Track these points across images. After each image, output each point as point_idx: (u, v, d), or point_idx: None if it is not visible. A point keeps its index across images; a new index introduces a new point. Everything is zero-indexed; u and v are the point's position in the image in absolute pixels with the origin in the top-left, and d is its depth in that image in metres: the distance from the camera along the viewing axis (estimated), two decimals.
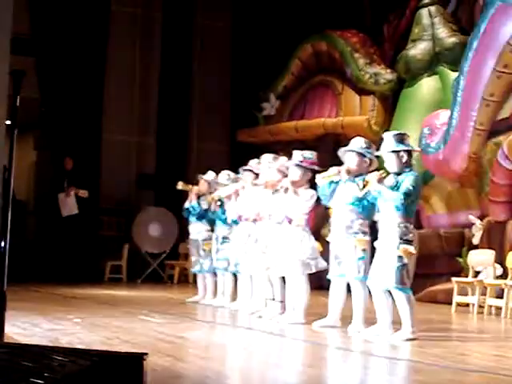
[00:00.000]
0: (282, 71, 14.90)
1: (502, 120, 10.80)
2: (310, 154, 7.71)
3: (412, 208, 6.55)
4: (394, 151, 6.54)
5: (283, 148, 14.33)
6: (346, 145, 7.35)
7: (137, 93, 16.13)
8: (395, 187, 6.46)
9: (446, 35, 12.29)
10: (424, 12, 12.59)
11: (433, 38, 12.35)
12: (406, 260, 6.37)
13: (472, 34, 10.86)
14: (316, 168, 7.56)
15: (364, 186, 6.80)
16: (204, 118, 16.56)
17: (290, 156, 7.92)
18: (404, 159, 6.55)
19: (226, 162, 14.21)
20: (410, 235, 6.45)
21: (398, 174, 6.54)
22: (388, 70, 13.33)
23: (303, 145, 14.21)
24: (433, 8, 12.54)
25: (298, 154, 7.71)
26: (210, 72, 16.60)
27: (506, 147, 10.47)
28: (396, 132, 6.86)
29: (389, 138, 6.68)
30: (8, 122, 4.49)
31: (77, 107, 14.82)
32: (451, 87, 11.32)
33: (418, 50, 12.49)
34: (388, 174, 6.64)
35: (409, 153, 6.60)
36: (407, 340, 6.23)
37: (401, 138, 6.63)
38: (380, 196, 6.52)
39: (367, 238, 6.95)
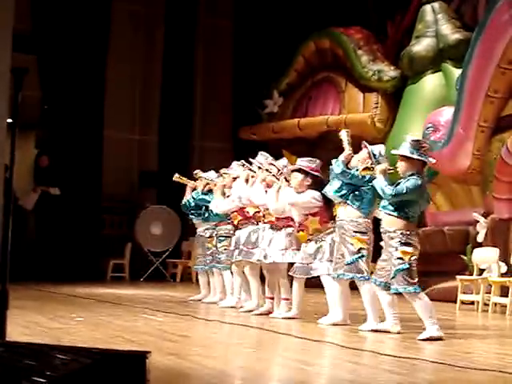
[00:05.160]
0: (286, 68, 14.86)
1: (507, 117, 10.77)
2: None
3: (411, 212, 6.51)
4: (406, 156, 6.50)
5: (286, 145, 14.33)
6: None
7: (139, 90, 16.11)
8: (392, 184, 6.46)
9: (450, 32, 12.26)
10: (427, 8, 12.57)
11: (436, 34, 12.32)
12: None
13: (476, 31, 10.83)
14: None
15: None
16: (207, 115, 16.55)
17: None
18: (415, 167, 6.49)
19: (229, 160, 14.15)
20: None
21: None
22: (392, 67, 13.29)
23: (306, 142, 14.23)
24: (436, 4, 12.53)
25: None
26: (213, 69, 16.58)
27: (510, 144, 10.44)
28: (415, 139, 6.74)
29: (407, 142, 6.58)
30: (9, 120, 4.43)
31: (78, 105, 14.78)
32: (455, 84, 11.30)
33: (422, 46, 12.45)
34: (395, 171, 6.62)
35: (423, 162, 6.54)
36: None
37: (418, 146, 6.54)
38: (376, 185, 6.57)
39: (365, 236, 7.01)
